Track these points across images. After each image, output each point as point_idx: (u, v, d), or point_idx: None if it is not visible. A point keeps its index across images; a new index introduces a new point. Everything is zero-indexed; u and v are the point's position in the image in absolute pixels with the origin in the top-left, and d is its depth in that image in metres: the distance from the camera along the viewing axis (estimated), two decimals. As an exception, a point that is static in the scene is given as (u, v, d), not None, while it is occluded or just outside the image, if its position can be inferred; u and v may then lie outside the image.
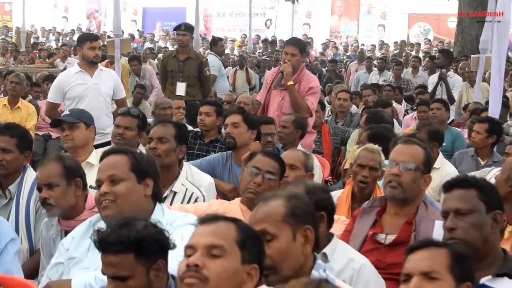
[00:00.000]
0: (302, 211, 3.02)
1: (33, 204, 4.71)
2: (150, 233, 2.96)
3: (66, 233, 3.99)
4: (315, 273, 2.99)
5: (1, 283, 3.70)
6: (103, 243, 2.96)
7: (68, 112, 5.84)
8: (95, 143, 6.10)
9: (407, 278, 2.86)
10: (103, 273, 2.98)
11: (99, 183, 3.55)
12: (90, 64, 7.66)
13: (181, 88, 10.06)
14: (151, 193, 3.57)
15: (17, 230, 4.58)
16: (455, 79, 12.32)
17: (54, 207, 4.13)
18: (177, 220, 3.54)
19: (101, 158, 3.65)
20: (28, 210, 4.70)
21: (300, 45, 7.85)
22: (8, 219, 4.60)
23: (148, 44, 27.42)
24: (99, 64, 7.89)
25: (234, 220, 2.79)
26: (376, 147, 5.28)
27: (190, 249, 2.75)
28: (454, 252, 2.87)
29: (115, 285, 2.94)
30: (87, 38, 7.87)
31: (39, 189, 4.23)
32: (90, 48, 7.63)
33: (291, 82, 7.52)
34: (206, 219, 2.80)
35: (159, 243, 2.94)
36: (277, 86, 7.60)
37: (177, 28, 10.49)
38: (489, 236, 3.38)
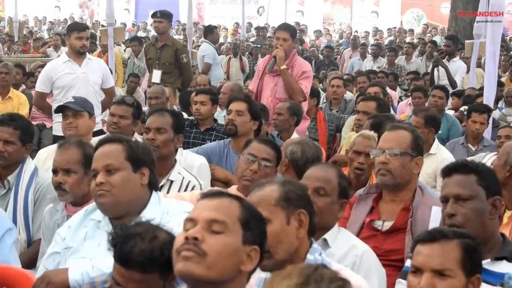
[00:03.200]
0: (296, 196, 3.01)
1: (31, 194, 4.70)
2: None
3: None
4: (310, 257, 2.99)
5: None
6: (129, 260, 2.81)
7: (72, 100, 5.77)
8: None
9: (416, 271, 2.83)
10: (117, 283, 2.87)
11: (94, 173, 3.52)
12: (77, 54, 7.65)
13: (156, 76, 9.96)
14: (147, 182, 3.54)
15: (15, 220, 4.56)
16: (458, 65, 12.17)
17: (67, 193, 4.12)
18: (173, 209, 3.53)
19: (96, 147, 3.61)
20: (26, 201, 4.68)
21: (291, 30, 7.87)
22: (6, 210, 4.60)
23: (141, 33, 27.30)
24: (87, 53, 7.88)
25: (238, 198, 2.71)
26: (372, 133, 5.26)
27: (190, 222, 2.63)
28: (465, 245, 2.81)
29: None
30: (75, 28, 7.85)
31: (55, 172, 4.19)
32: (78, 38, 7.63)
33: (284, 66, 7.54)
34: (209, 194, 2.71)
35: None
36: (270, 70, 7.60)
37: (153, 15, 10.40)
38: (488, 222, 3.38)
